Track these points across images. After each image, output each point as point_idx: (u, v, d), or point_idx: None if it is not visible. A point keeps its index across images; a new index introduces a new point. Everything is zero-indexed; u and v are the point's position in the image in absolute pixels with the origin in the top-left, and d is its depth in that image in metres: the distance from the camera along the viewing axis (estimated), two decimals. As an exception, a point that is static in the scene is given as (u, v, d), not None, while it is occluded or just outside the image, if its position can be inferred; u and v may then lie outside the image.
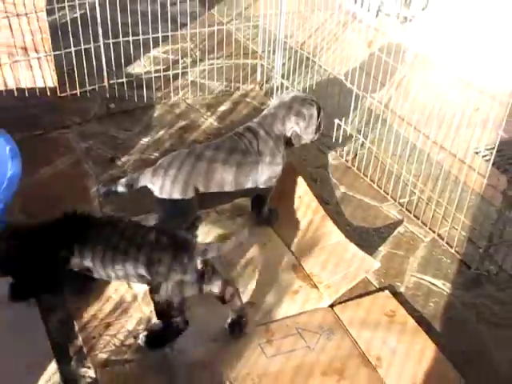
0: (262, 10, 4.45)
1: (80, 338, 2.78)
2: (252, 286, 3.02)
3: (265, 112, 3.34)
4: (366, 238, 3.33)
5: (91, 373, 2.65)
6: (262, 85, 4.54)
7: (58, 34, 4.04)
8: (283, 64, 4.31)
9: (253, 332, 2.79)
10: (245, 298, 2.93)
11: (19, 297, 2.87)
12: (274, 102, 3.40)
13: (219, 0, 5.10)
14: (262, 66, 4.54)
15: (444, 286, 3.10)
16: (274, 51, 4.33)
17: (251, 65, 4.54)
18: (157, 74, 4.37)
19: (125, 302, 2.94)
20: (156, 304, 2.69)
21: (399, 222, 3.46)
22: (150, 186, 3.05)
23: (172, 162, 3.06)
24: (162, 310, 2.67)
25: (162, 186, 3.01)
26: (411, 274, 3.16)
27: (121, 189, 3.06)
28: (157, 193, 3.02)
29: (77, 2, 3.98)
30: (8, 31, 3.85)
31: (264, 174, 3.21)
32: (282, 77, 4.30)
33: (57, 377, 2.59)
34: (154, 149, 3.86)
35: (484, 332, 2.87)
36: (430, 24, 4.82)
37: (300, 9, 4.31)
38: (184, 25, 4.69)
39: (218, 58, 4.61)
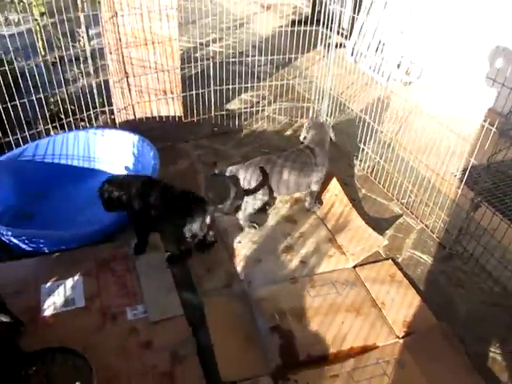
0: (316, 71, 4.45)
1: (193, 276, 2.85)
2: (303, 251, 3.03)
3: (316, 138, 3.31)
4: (378, 224, 3.30)
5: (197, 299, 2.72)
6: (313, 120, 4.49)
7: (186, 82, 4.12)
8: (328, 106, 4.27)
9: (302, 280, 2.80)
10: (298, 258, 2.96)
11: (139, 252, 2.93)
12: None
13: (287, 64, 5.07)
14: (313, 108, 4.52)
15: (427, 259, 3.07)
16: (321, 98, 4.31)
17: (306, 107, 4.52)
18: (245, 110, 4.40)
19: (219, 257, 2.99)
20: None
21: (400, 215, 3.42)
22: (240, 177, 3.07)
23: (256, 164, 3.08)
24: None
25: (247, 178, 3.05)
26: (407, 250, 3.14)
27: (226, 174, 3.15)
28: (242, 182, 3.06)
29: (199, 63, 4.06)
30: (156, 80, 3.93)
31: (315, 177, 3.21)
32: (327, 115, 4.27)
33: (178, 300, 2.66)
34: (241, 157, 3.88)
35: (452, 291, 2.85)
36: (422, 86, 4.78)
37: (340, 72, 4.28)
38: (264, 79, 4.71)
39: (284, 101, 4.60)
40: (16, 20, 4.86)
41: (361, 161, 3.84)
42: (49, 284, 2.77)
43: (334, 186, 3.53)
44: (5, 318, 2.36)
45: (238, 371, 2.32)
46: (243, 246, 3.02)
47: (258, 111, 4.45)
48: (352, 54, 5.47)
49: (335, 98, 4.14)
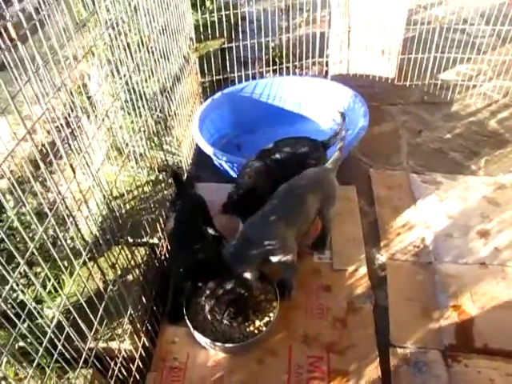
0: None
1: (380, 238, 2.89)
2: (500, 237, 2.81)
3: None
4: None
5: (382, 258, 2.78)
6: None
7: (410, 44, 4.02)
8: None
9: (494, 268, 2.66)
10: (493, 244, 2.78)
11: None
12: None
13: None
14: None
15: None
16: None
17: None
18: (460, 82, 4.11)
19: (410, 223, 2.97)
20: None
21: None
22: None
23: None
24: None
25: None
26: None
27: None
28: None
29: (418, 26, 3.86)
30: (377, 38, 3.90)
31: None
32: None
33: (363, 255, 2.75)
34: (448, 131, 3.74)
35: None
36: None
37: None
38: (484, 52, 4.36)
39: (506, 79, 4.11)
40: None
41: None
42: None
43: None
44: (212, 231, 2.69)
45: (408, 338, 2.35)
46: (437, 218, 2.97)
47: (473, 86, 4.13)
48: None
49: None
